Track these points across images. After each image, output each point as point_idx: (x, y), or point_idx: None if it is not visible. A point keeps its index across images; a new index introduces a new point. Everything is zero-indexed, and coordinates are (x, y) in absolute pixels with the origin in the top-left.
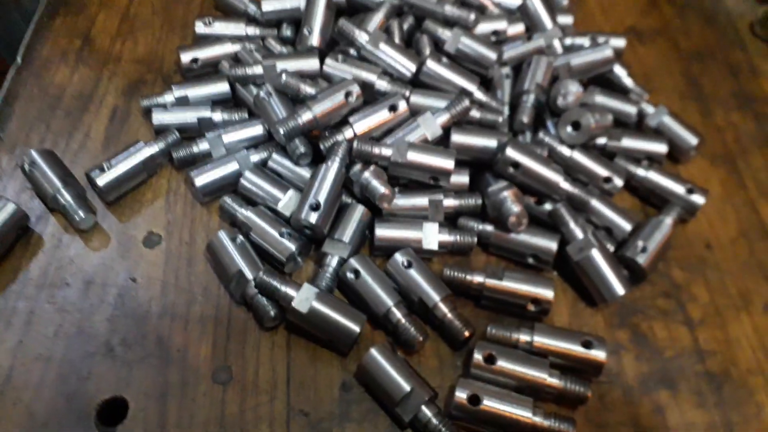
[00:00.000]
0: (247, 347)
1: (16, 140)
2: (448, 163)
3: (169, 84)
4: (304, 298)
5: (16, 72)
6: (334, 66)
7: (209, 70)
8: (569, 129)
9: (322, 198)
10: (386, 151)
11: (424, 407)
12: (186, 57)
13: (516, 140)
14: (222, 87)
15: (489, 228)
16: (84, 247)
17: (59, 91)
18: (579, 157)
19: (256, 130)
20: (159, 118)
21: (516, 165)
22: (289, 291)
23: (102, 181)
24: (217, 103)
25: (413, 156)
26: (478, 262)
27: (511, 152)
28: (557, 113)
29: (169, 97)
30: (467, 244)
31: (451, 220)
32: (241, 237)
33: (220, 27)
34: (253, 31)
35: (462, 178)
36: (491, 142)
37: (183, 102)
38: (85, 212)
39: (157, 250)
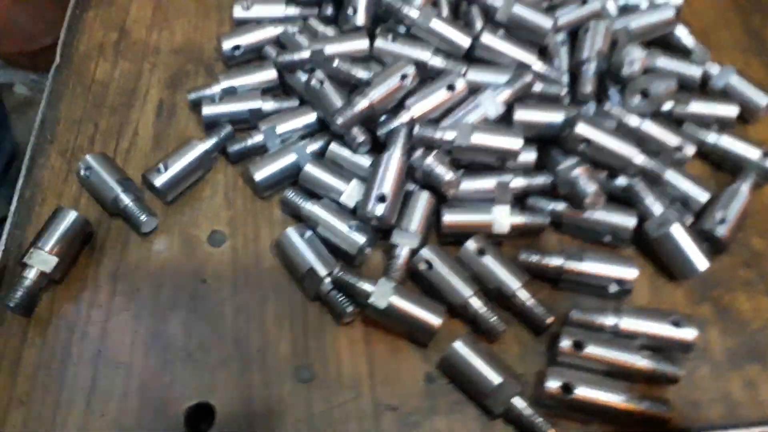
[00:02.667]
0: (326, 344)
1: (66, 143)
2: (516, 143)
3: (212, 73)
4: (381, 293)
5: (56, 70)
6: (384, 46)
7: (252, 57)
8: (637, 98)
9: (387, 189)
10: (449, 135)
11: (515, 398)
12: (227, 44)
13: (585, 115)
14: (269, 74)
15: (561, 207)
16: (149, 250)
17: (102, 88)
18: (648, 126)
19: (309, 118)
20: (209, 111)
21: (587, 141)
22: (366, 287)
23: (159, 182)
24: (265, 91)
25: (478, 138)
26: (550, 241)
27: (582, 129)
28: (620, 80)
29: (216, 89)
30: (539, 225)
31: (518, 200)
32: (309, 232)
33: (259, 10)
34: (293, 11)
35: (528, 156)
36: (557, 117)
37: (231, 93)
38: (146, 215)
39: (223, 248)
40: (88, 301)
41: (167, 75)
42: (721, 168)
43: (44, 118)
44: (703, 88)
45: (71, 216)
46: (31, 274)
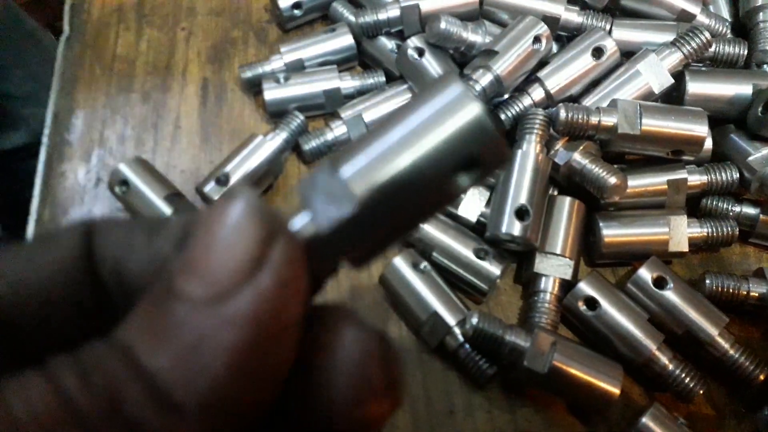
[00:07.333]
0: (456, 413)
1: (89, 143)
2: (700, 129)
3: (264, 41)
4: (540, 352)
5: (66, 46)
6: None
7: (315, 17)
8: None
9: (526, 198)
10: (607, 119)
11: None
12: (285, 1)
13: None
14: (344, 41)
15: (752, 211)
16: None
17: (128, 67)
18: None
19: (405, 100)
20: (273, 95)
21: None
22: (518, 341)
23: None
24: (340, 64)
25: (650, 122)
26: (730, 254)
27: None
28: None
29: (277, 63)
30: (726, 238)
31: (688, 202)
32: (425, 263)
33: None
34: None
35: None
36: (743, 89)
37: (296, 68)
38: None
39: None
40: None
41: (208, 45)
42: None
43: (57, 110)
44: None
45: None
46: None
